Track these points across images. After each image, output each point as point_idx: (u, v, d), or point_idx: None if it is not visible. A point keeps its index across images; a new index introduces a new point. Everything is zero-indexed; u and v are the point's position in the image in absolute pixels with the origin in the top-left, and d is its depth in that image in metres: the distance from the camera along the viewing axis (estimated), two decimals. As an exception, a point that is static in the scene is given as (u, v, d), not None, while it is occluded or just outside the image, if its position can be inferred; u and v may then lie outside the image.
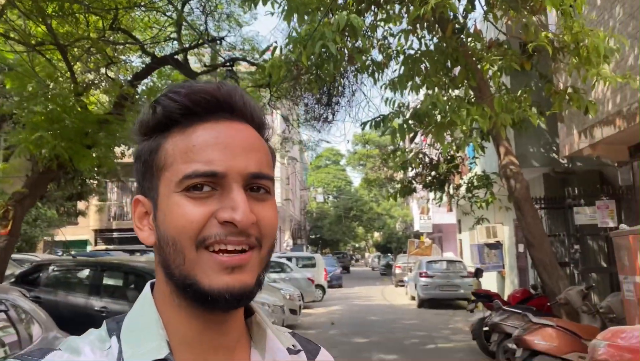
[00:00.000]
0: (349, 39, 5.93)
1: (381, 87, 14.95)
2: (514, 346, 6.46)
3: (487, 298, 8.77)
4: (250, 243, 0.61)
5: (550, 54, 5.83)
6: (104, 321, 0.66)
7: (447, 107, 6.09)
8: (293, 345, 0.73)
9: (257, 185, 0.64)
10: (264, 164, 0.65)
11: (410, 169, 12.25)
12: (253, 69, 13.06)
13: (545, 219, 12.06)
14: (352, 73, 9.12)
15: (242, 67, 13.73)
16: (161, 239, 0.63)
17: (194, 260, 0.60)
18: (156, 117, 0.65)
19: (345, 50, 6.20)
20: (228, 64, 12.20)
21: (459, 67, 7.65)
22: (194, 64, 12.89)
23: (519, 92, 7.32)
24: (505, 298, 9.77)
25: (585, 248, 11.12)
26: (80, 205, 22.29)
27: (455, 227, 22.40)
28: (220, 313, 0.64)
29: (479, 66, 7.82)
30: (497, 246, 15.77)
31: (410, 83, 7.75)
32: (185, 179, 0.61)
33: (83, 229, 26.41)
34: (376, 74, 8.23)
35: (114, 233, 26.73)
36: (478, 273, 13.92)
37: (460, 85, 7.89)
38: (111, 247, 24.07)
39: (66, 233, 23.20)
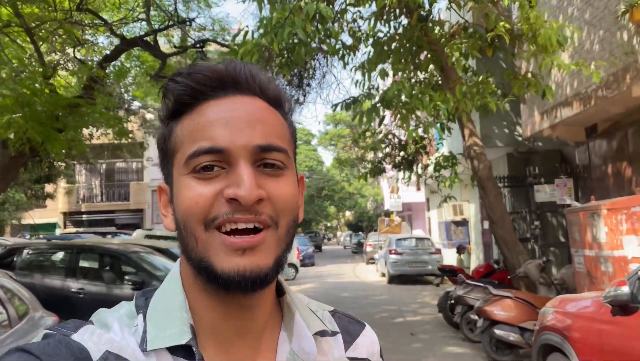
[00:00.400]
0: (319, 25, 6.10)
1: (351, 69, 15.17)
2: (476, 317, 6.89)
3: (452, 273, 9.21)
4: (262, 221, 0.59)
5: (507, 42, 6.14)
6: (135, 295, 0.66)
7: (412, 93, 6.36)
8: (327, 328, 0.69)
9: (269, 160, 0.61)
10: (272, 136, 0.61)
11: (380, 149, 12.58)
12: (224, 49, 13.07)
13: (509, 197, 12.59)
14: (322, 56, 9.30)
15: (213, 47, 13.68)
16: (177, 223, 0.62)
17: (205, 241, 0.58)
18: (167, 103, 0.64)
19: (316, 36, 6.36)
20: (198, 45, 12.18)
21: (425, 53, 7.92)
22: (164, 44, 12.81)
23: (481, 77, 7.63)
24: (470, 273, 10.27)
25: (545, 224, 11.68)
26: (49, 188, 21.99)
27: (424, 205, 22.96)
28: (242, 297, 0.61)
29: (446, 50, 8.12)
30: (464, 223, 16.36)
31: (379, 66, 7.99)
32: (190, 159, 0.60)
33: (51, 212, 26.05)
34: (346, 58, 8.43)
35: (83, 216, 26.46)
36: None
37: (424, 70, 8.16)
38: (81, 229, 23.86)
39: (34, 216, 22.87)
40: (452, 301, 8.07)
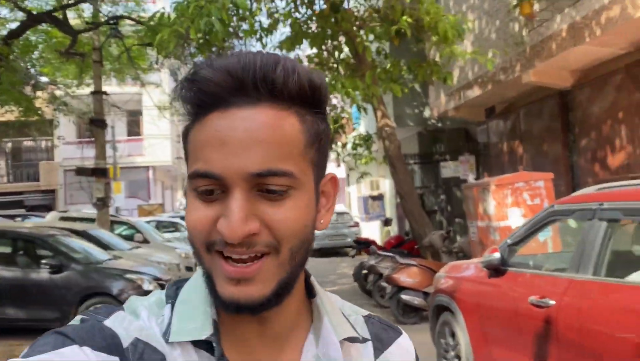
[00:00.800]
0: (235, 12, 6.28)
1: (270, 50, 15.34)
2: (385, 284, 7.53)
3: (365, 245, 9.86)
4: (256, 251, 0.56)
5: (408, 36, 6.68)
6: (167, 285, 0.66)
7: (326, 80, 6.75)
8: (358, 334, 0.67)
9: (269, 186, 0.56)
10: (273, 158, 0.55)
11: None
12: (140, 27, 12.75)
13: (419, 173, 13.49)
14: (240, 36, 9.44)
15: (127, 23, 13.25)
16: None
17: (209, 261, 0.58)
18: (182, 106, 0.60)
19: (231, 22, 6.54)
20: (112, 22, 11.83)
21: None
22: (74, 19, 12.29)
23: (389, 65, 8.17)
24: (383, 244, 11.00)
25: (451, 197, 12.67)
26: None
27: (344, 181, 23.76)
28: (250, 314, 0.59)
29: (361, 33, 8.56)
30: (380, 197, 17.21)
31: (298, 46, 8.32)
32: (190, 180, 0.57)
33: (-49, 195, 24.23)
34: (264, 39, 8.65)
35: (-12, 198, 24.88)
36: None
37: (338, 55, 8.58)
38: (-14, 213, 22.46)
39: None
40: (366, 271, 8.70)
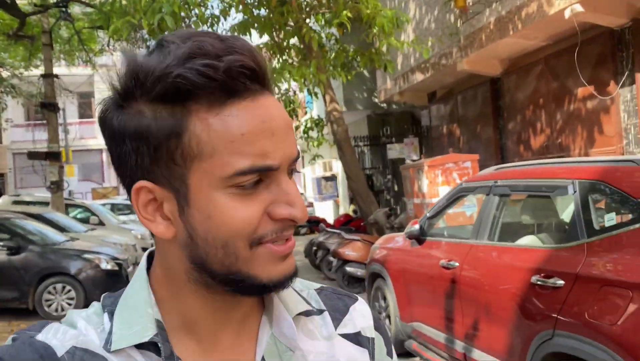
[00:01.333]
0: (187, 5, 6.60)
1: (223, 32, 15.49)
2: (332, 258, 8.12)
3: (315, 223, 10.44)
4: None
5: (349, 30, 7.17)
6: (102, 296, 0.65)
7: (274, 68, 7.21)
8: (312, 307, 0.67)
9: (293, 167, 0.59)
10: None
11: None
12: (89, 9, 12.71)
13: (369, 155, 14.12)
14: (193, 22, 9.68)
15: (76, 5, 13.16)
16: (196, 238, 0.56)
17: (248, 258, 0.56)
18: (165, 85, 0.52)
19: (182, 12, 6.84)
20: (61, 4, 11.77)
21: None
22: (21, 1, 12.15)
23: (333, 55, 8.68)
24: (332, 222, 11.61)
25: (397, 177, 13.38)
26: None
27: (299, 163, 24.24)
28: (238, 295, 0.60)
29: (308, 21, 8.98)
30: (332, 178, 17.82)
31: (248, 32, 8.66)
32: (238, 176, 0.53)
33: None
34: (215, 26, 8.95)
35: None
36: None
37: (287, 43, 8.99)
38: None
39: None
40: (315, 247, 9.28)
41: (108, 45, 12.84)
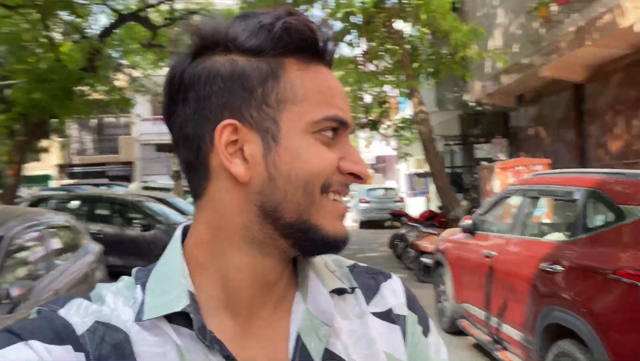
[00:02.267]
0: None
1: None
2: (410, 250, 8.91)
3: (398, 217, 11.23)
4: None
5: (425, 44, 7.90)
6: (134, 269, 0.64)
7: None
8: (345, 285, 0.66)
9: (352, 132, 0.63)
10: None
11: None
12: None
13: (460, 153, 14.58)
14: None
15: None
16: (277, 178, 0.57)
17: (319, 204, 0.58)
18: (275, 36, 0.56)
19: None
20: (186, 17, 13.57)
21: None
22: (150, 14, 14.15)
23: (417, 65, 9.44)
24: (418, 217, 12.30)
25: (485, 176, 13.73)
26: (44, 143, 23.35)
27: (394, 158, 25.01)
28: (285, 261, 0.61)
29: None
30: (425, 175, 18.38)
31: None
32: (325, 121, 0.57)
33: (43, 165, 27.42)
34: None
35: (76, 168, 27.93)
36: None
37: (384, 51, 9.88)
38: (75, 181, 25.40)
39: (29, 168, 24.26)
40: (397, 240, 10.10)
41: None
